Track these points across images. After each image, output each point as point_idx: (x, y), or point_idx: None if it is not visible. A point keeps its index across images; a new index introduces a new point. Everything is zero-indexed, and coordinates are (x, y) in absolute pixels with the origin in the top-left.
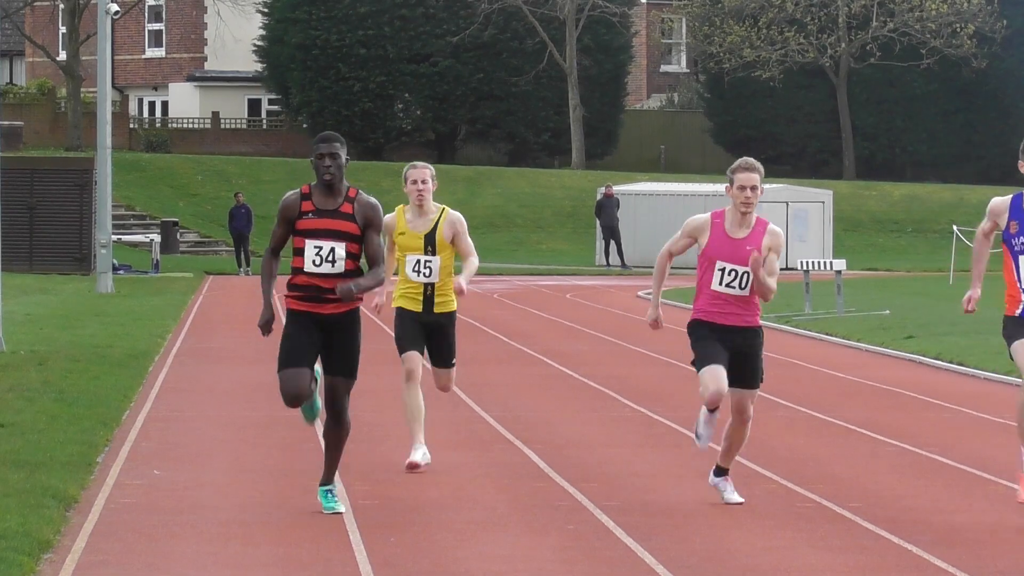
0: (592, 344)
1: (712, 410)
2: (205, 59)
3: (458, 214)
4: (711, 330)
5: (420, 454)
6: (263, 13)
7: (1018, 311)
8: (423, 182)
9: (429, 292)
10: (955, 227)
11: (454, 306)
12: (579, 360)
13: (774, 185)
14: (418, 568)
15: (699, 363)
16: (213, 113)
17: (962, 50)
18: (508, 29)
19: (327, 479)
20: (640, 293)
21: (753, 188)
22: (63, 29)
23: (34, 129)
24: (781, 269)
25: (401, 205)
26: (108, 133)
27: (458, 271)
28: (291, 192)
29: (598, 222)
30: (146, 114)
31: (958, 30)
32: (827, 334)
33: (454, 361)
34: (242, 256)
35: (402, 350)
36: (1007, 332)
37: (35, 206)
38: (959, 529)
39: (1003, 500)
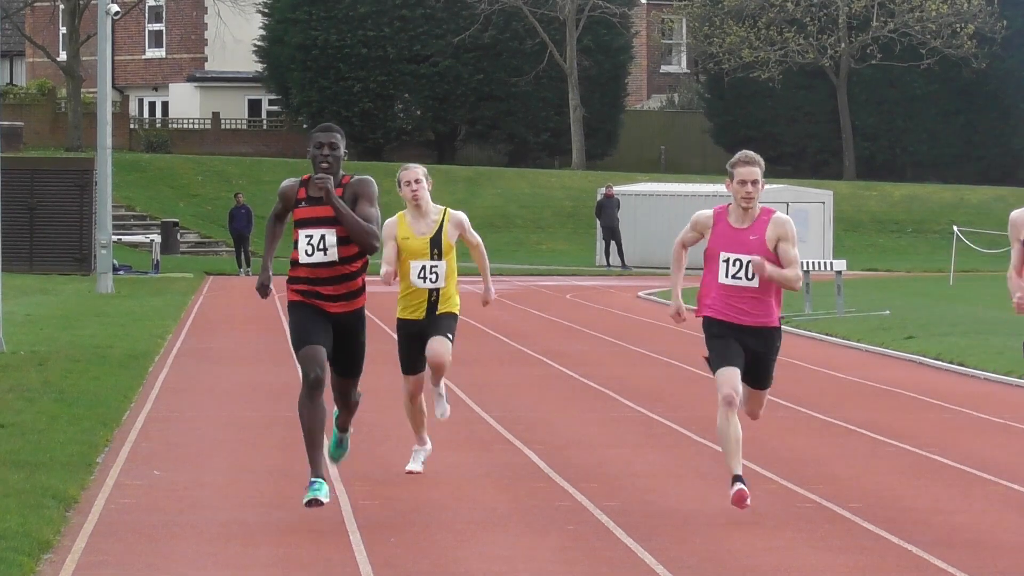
0: (592, 344)
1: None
2: (205, 59)
3: (460, 213)
4: (728, 327)
5: (420, 460)
6: (263, 13)
7: None
8: (416, 182)
9: (434, 298)
10: (955, 227)
11: (456, 308)
12: (579, 360)
13: (774, 185)
14: (418, 568)
15: (714, 363)
16: (213, 113)
17: (962, 50)
18: (508, 30)
19: (343, 425)
20: (640, 294)
21: (754, 182)
22: (63, 29)
23: (34, 129)
24: None
25: (401, 211)
26: (108, 133)
27: (463, 271)
28: (291, 179)
29: (598, 222)
30: (146, 114)
31: (958, 30)
32: (827, 334)
33: (450, 336)
34: (242, 256)
35: (405, 371)
36: None
37: (35, 206)
38: (959, 529)
39: (1003, 500)
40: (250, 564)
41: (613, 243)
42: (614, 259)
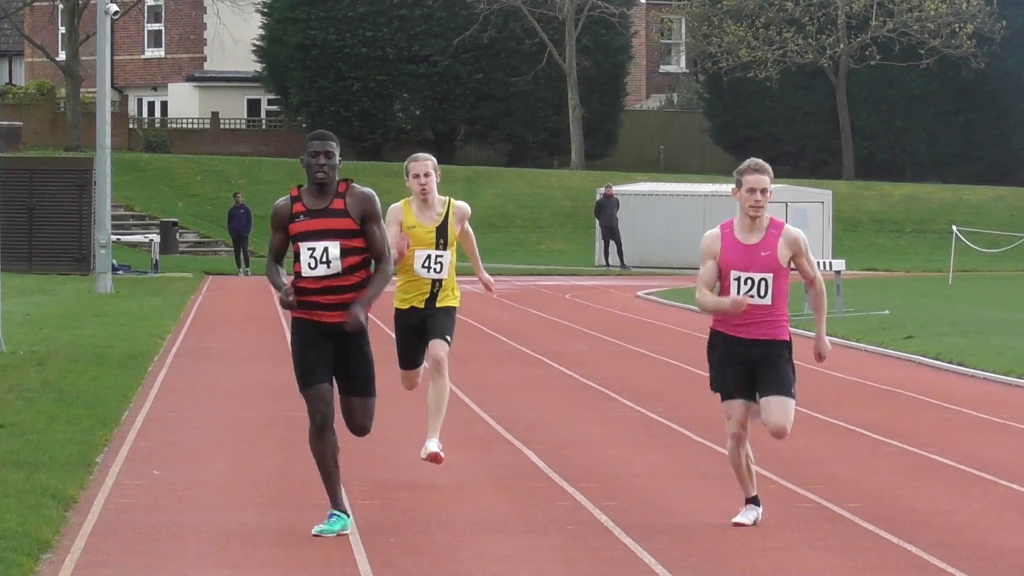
0: (592, 344)
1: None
2: (204, 59)
3: (463, 203)
4: (727, 345)
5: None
6: (262, 13)
7: None
8: (426, 175)
9: (436, 289)
10: (954, 227)
11: (457, 302)
12: (579, 360)
13: (773, 185)
14: (418, 568)
15: (719, 394)
16: (212, 113)
17: (961, 50)
18: (507, 29)
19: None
20: (640, 294)
21: (763, 191)
22: (62, 29)
23: (33, 129)
24: (791, 269)
25: (406, 198)
26: (107, 133)
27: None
28: (281, 199)
29: (597, 222)
30: (145, 114)
31: (957, 30)
32: (827, 334)
33: (449, 338)
34: (241, 256)
35: (403, 365)
36: None
37: (34, 206)
38: (959, 529)
39: (1003, 500)
40: (250, 564)
41: (612, 243)
42: (613, 259)
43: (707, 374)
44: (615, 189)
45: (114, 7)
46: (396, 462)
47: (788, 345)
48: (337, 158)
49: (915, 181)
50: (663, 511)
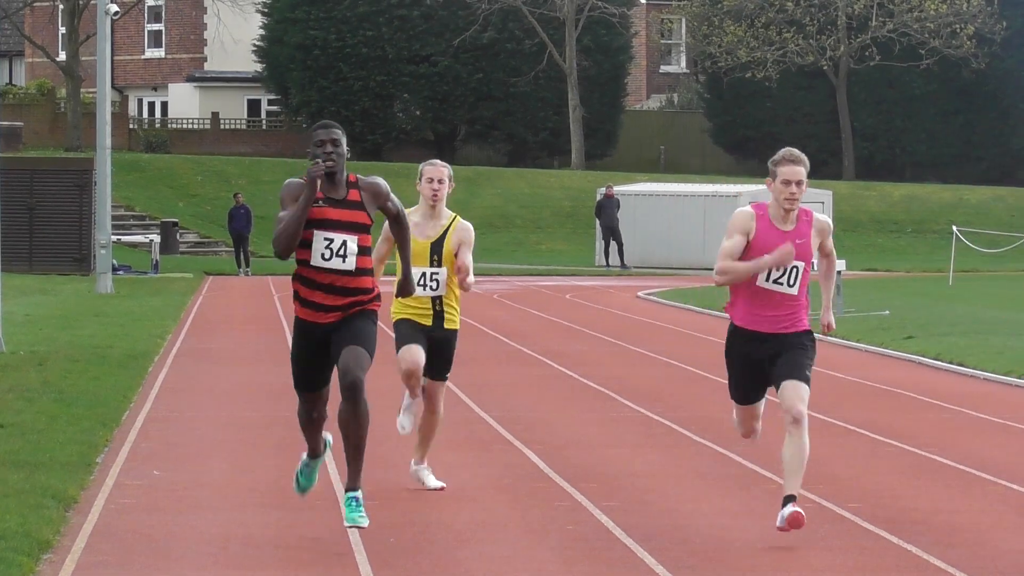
0: (591, 344)
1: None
2: (205, 59)
3: (468, 224)
4: (746, 343)
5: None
6: (262, 13)
7: None
8: (440, 182)
9: (439, 307)
10: (954, 227)
11: (458, 324)
12: (578, 360)
13: None
14: (418, 568)
15: (731, 395)
16: (213, 114)
17: (962, 51)
18: (507, 30)
19: (352, 483)
20: (640, 294)
21: (799, 183)
22: (63, 29)
23: (33, 129)
24: None
25: (408, 209)
26: (108, 133)
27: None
28: (294, 178)
29: (598, 222)
30: (146, 114)
31: (958, 31)
32: (826, 334)
33: (447, 375)
34: (241, 257)
35: (401, 345)
36: None
37: (35, 206)
38: (959, 529)
39: (1003, 500)
40: (250, 564)
41: (613, 243)
42: (613, 259)
43: (707, 374)
44: (615, 189)
45: (114, 7)
46: (396, 462)
47: (809, 335)
48: (344, 147)
49: (915, 181)
50: (663, 511)
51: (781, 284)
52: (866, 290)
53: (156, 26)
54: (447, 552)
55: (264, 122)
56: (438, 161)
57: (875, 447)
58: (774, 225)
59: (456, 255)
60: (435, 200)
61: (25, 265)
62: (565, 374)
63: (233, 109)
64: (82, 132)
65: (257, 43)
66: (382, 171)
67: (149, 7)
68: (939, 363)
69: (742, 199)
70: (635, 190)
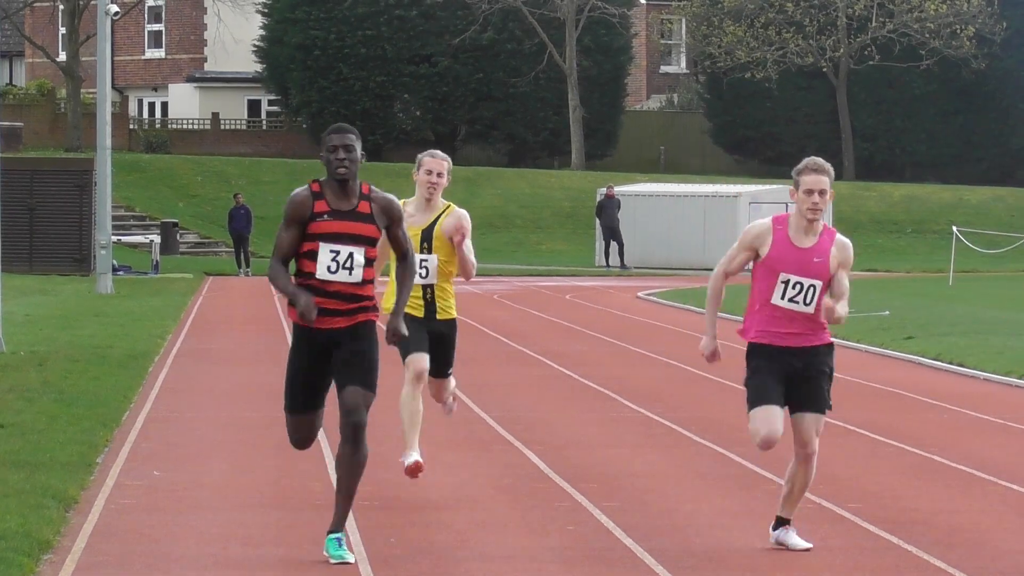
0: (591, 345)
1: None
2: (205, 60)
3: (463, 211)
4: (769, 358)
5: (416, 454)
6: (263, 14)
7: None
8: (439, 175)
9: (429, 296)
10: (954, 228)
11: (455, 313)
12: (578, 361)
13: (773, 186)
14: (418, 568)
15: (751, 400)
16: (213, 114)
17: (962, 51)
18: (507, 30)
19: (337, 526)
20: (640, 294)
21: (822, 192)
22: (63, 30)
23: (34, 130)
24: None
25: (403, 200)
26: (108, 134)
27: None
28: (299, 190)
29: (598, 223)
30: (146, 115)
31: (958, 31)
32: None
33: (451, 371)
34: (242, 257)
35: (406, 352)
36: None
37: (35, 207)
38: (959, 529)
39: (1003, 500)
40: (250, 564)
41: (613, 243)
42: (613, 259)
43: (707, 375)
44: (616, 190)
45: (114, 8)
46: (396, 462)
47: (830, 349)
48: (358, 152)
49: (915, 181)
50: (663, 511)
51: (797, 303)
52: (866, 290)
53: (156, 26)
54: (447, 552)
55: (264, 122)
56: (439, 152)
57: (875, 447)
58: (792, 241)
59: (451, 241)
60: (431, 193)
61: (25, 265)
62: (565, 374)
63: (233, 109)
64: (82, 132)
65: (257, 43)
66: (382, 171)
67: (149, 7)
68: (939, 363)
69: (742, 199)
70: (635, 190)
